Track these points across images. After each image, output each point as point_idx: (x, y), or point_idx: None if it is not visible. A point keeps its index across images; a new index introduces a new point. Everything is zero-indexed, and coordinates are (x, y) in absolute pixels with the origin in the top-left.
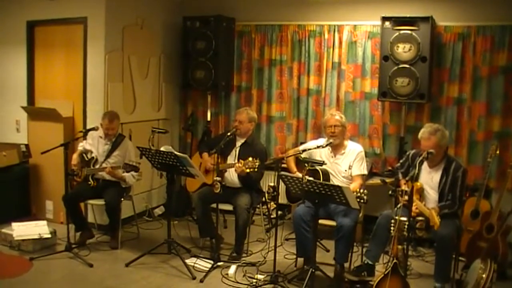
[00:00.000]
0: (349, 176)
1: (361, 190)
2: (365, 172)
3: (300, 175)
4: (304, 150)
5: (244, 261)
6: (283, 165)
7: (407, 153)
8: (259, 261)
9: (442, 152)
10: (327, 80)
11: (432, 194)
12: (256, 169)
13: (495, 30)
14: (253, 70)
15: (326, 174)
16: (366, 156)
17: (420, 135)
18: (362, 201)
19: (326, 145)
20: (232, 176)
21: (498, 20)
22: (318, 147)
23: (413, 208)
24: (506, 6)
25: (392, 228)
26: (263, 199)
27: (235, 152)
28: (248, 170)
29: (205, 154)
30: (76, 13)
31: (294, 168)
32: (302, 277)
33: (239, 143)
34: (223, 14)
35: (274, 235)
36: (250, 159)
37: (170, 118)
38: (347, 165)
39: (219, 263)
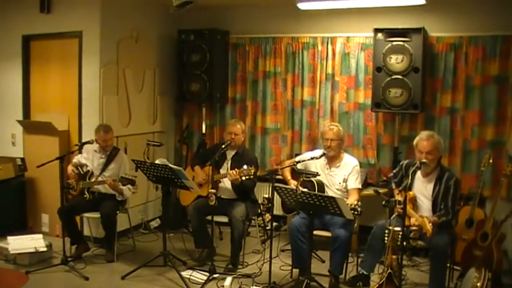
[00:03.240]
0: (343, 188)
1: (355, 202)
2: (360, 186)
3: (294, 182)
4: (299, 162)
5: (239, 273)
6: (278, 177)
7: (401, 163)
8: (255, 273)
9: (437, 159)
10: (321, 91)
11: (425, 203)
12: (251, 176)
13: (486, 40)
14: (248, 82)
15: (321, 185)
16: (360, 167)
17: (417, 140)
18: (356, 212)
19: (321, 156)
20: (227, 187)
21: (489, 31)
22: (312, 158)
23: (413, 220)
24: (497, 16)
25: (386, 238)
26: (259, 210)
27: (226, 164)
28: (244, 178)
29: (197, 168)
30: (72, 27)
31: (289, 179)
32: None
33: (230, 155)
34: (218, 27)
35: (269, 246)
36: (245, 166)
37: (165, 130)
38: (341, 178)
39: (214, 275)
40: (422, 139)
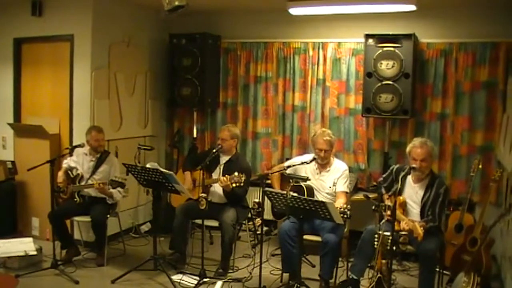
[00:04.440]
0: (333, 192)
1: (345, 206)
2: (348, 190)
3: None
4: (289, 166)
5: (230, 277)
6: (268, 181)
7: (391, 167)
8: (245, 277)
9: (430, 166)
10: (312, 96)
11: (415, 209)
12: (242, 184)
13: (476, 46)
14: (239, 87)
15: (311, 190)
16: (351, 172)
17: (410, 147)
18: (345, 216)
19: (311, 161)
20: (217, 191)
21: (479, 37)
22: (303, 163)
23: (403, 224)
24: (486, 23)
25: (376, 242)
26: (249, 215)
27: (219, 169)
28: (234, 185)
29: (187, 173)
30: (63, 31)
31: (276, 186)
32: None
33: (223, 160)
34: (209, 31)
35: (260, 251)
36: (236, 173)
37: (156, 135)
38: (331, 182)
39: (205, 279)
40: (416, 147)
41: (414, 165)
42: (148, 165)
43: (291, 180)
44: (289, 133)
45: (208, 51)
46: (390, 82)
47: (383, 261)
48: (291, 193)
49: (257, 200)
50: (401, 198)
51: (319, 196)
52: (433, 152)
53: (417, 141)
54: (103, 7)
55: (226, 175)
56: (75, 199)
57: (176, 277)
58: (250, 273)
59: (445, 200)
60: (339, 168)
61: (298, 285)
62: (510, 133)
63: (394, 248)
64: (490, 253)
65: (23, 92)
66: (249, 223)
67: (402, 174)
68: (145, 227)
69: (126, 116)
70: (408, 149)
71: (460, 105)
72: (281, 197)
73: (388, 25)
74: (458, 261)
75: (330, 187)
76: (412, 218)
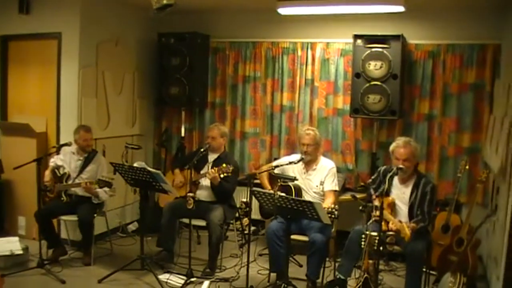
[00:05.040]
0: (320, 192)
1: (333, 206)
2: (337, 188)
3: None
4: (277, 166)
5: (217, 277)
6: (256, 181)
7: (379, 169)
8: (232, 277)
9: (413, 166)
10: (300, 96)
11: (403, 209)
12: (229, 174)
13: (464, 48)
14: (227, 87)
15: (298, 190)
16: (339, 172)
17: (393, 146)
18: (333, 216)
19: (298, 161)
20: (206, 185)
21: (466, 39)
22: (290, 163)
23: (391, 224)
24: (474, 25)
25: (363, 243)
26: (237, 214)
27: (207, 167)
28: (222, 175)
29: (177, 171)
30: (51, 29)
31: (267, 185)
32: None
33: (211, 158)
34: (198, 31)
35: (247, 250)
36: (224, 165)
37: (144, 134)
38: (318, 181)
39: (192, 279)
40: (399, 146)
41: (401, 166)
42: (135, 164)
43: (279, 180)
44: (277, 133)
45: (197, 50)
46: (378, 83)
47: (370, 261)
48: (279, 193)
49: (244, 200)
50: (389, 198)
51: (307, 196)
52: (416, 152)
53: (400, 140)
54: (91, 5)
55: (214, 167)
56: (62, 198)
57: (163, 277)
58: (238, 273)
59: (432, 198)
60: (325, 167)
61: (285, 285)
62: (497, 135)
63: (381, 248)
64: (476, 253)
65: (9, 90)
66: (237, 222)
67: (389, 175)
68: (132, 227)
69: (113, 114)
70: (391, 148)
71: (447, 106)
72: (269, 197)
73: (377, 26)
74: (445, 261)
75: (317, 186)
76: (401, 219)
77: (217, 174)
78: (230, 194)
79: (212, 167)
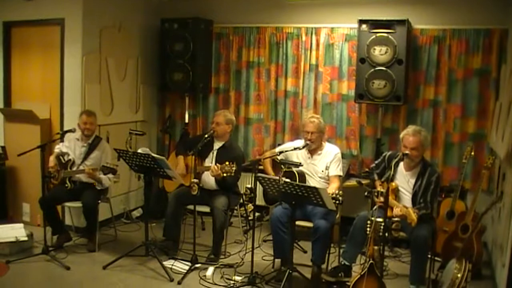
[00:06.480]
0: (326, 176)
1: (337, 191)
2: (341, 174)
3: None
4: (281, 152)
5: (221, 263)
6: (260, 167)
7: (384, 154)
8: (237, 263)
9: (421, 155)
10: (304, 82)
11: (407, 196)
12: (232, 174)
13: (469, 33)
14: (231, 72)
15: (302, 176)
16: (343, 158)
17: (403, 133)
18: (337, 202)
19: (303, 147)
20: (209, 178)
21: (472, 24)
22: (295, 149)
23: (396, 210)
24: (480, 10)
25: (368, 229)
26: (241, 200)
27: (212, 155)
28: (224, 175)
29: (180, 157)
30: (53, 15)
31: (270, 171)
32: (279, 278)
33: (216, 146)
34: (201, 16)
35: (251, 236)
36: (227, 163)
37: (148, 120)
38: (324, 166)
39: (196, 265)
40: (409, 134)
41: (406, 152)
42: (139, 150)
43: (283, 166)
44: (281, 119)
45: (200, 36)
46: (383, 68)
47: (375, 247)
48: (284, 179)
49: (249, 186)
50: (393, 184)
51: (312, 181)
52: (425, 142)
53: (411, 128)
54: None
55: (217, 164)
56: (66, 185)
57: (167, 263)
58: (242, 259)
59: (436, 188)
60: (330, 152)
61: (290, 271)
62: (503, 121)
63: (386, 234)
64: (482, 240)
65: (13, 76)
66: (241, 209)
67: (395, 160)
68: (136, 213)
69: (117, 101)
70: (401, 135)
71: (452, 92)
72: (274, 183)
73: (382, 11)
74: (450, 247)
75: (322, 171)
76: (405, 205)
77: (220, 172)
78: (233, 186)
79: (216, 158)
